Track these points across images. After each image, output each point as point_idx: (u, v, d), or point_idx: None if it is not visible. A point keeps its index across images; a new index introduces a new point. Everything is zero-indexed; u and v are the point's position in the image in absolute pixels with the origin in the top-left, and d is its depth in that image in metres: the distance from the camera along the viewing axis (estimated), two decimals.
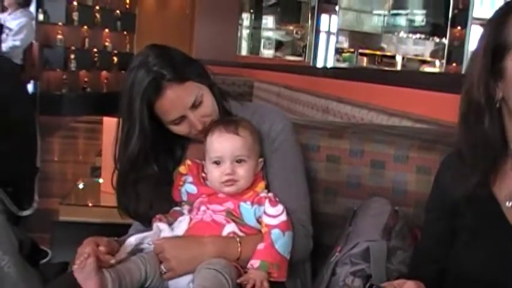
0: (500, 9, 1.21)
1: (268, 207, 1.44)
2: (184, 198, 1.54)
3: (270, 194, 1.48)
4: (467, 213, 1.28)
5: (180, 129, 1.52)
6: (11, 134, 2.03)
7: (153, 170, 1.54)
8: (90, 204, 2.66)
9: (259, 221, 1.45)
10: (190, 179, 1.53)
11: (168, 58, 1.48)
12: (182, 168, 1.55)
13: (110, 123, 2.71)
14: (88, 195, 2.84)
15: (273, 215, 1.44)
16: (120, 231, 1.61)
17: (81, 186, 2.99)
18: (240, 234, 1.43)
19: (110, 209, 2.51)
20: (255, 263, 1.39)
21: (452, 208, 1.31)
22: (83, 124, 9.06)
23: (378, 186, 1.72)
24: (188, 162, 1.55)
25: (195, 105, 1.49)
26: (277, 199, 1.47)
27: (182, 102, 1.47)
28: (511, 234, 1.21)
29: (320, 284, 1.48)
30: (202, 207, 1.48)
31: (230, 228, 1.44)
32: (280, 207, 1.45)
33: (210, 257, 1.37)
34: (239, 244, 1.41)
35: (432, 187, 1.41)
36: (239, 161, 1.46)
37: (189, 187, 1.53)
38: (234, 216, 1.45)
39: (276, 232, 1.42)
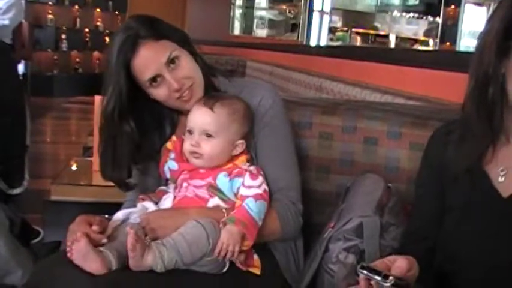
0: None
1: (247, 179, 1.44)
2: (168, 175, 1.54)
3: (252, 167, 1.47)
4: (458, 190, 1.27)
5: (159, 92, 1.50)
6: (0, 113, 2.01)
7: (129, 128, 1.50)
8: (81, 184, 2.64)
9: (234, 192, 1.45)
10: (173, 155, 1.53)
11: (148, 19, 1.50)
12: (169, 145, 1.55)
13: (101, 102, 2.69)
14: (80, 175, 2.82)
15: (250, 185, 1.43)
16: (112, 210, 1.59)
17: (72, 166, 2.97)
18: (225, 206, 1.43)
19: (102, 187, 2.51)
20: (222, 219, 1.38)
21: (442, 184, 1.30)
22: (75, 105, 9.02)
23: (371, 163, 1.71)
24: (174, 138, 1.55)
25: (171, 64, 1.48)
26: (261, 172, 1.47)
27: (156, 58, 1.46)
28: (503, 208, 1.21)
29: (313, 261, 1.47)
30: (184, 184, 1.48)
31: (214, 201, 1.44)
32: (259, 181, 1.45)
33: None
34: (225, 215, 1.40)
35: (421, 163, 1.40)
36: (208, 136, 1.46)
37: (171, 163, 1.53)
38: (215, 189, 1.45)
39: (248, 200, 1.41)
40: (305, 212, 1.60)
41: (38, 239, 2.80)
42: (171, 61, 1.48)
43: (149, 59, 1.46)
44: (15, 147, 2.17)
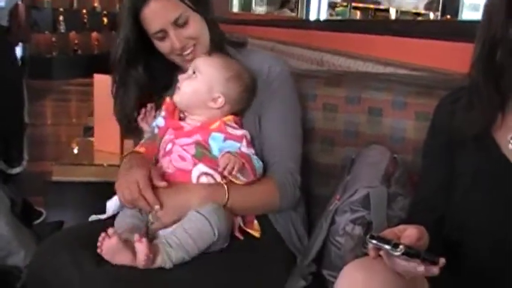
0: None
1: (244, 146, 1.44)
2: (156, 130, 1.53)
3: (247, 133, 1.46)
4: (466, 158, 1.25)
5: (163, 45, 1.52)
6: None
7: (139, 73, 1.56)
8: (83, 163, 2.62)
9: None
10: (163, 113, 1.52)
11: None
12: (164, 104, 1.54)
13: (101, 80, 2.66)
14: (81, 155, 2.80)
15: (249, 154, 1.44)
16: (114, 189, 1.58)
17: (74, 146, 2.95)
18: (210, 172, 1.41)
19: (104, 167, 2.50)
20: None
21: (450, 153, 1.28)
22: (75, 87, 8.97)
23: (376, 134, 1.69)
24: (168, 99, 1.53)
25: (178, 24, 1.49)
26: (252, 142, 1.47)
27: (164, 15, 1.47)
28: None
29: (319, 234, 1.46)
30: (169, 146, 1.46)
31: (197, 171, 1.41)
32: (253, 150, 1.46)
33: (196, 204, 1.35)
34: (226, 191, 1.39)
35: (428, 132, 1.38)
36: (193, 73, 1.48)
37: (159, 120, 1.52)
38: (203, 148, 1.42)
39: (254, 157, 1.43)
40: (310, 185, 1.58)
41: (41, 219, 2.79)
42: (179, 21, 1.48)
43: (157, 13, 1.47)
44: (14, 125, 2.16)
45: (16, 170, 2.17)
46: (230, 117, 1.48)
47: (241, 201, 1.42)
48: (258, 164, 1.44)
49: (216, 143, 1.42)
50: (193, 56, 1.52)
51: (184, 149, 1.43)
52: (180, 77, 1.50)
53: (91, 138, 2.80)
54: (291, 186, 1.51)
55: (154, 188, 1.37)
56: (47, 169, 2.55)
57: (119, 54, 1.53)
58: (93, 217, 1.51)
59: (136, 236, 1.24)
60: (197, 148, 1.42)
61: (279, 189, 1.48)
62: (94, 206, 1.59)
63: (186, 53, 1.52)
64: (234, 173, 1.34)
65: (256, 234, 1.44)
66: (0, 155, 2.01)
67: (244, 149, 1.43)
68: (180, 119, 1.51)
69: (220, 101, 1.47)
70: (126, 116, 1.61)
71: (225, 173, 1.35)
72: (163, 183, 1.37)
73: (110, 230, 1.26)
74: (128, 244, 1.25)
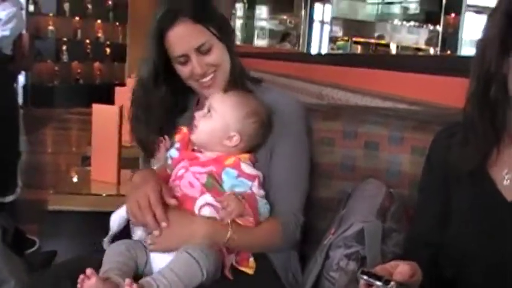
0: None
1: (255, 186, 1.43)
2: (169, 161, 1.53)
3: (260, 174, 1.46)
4: (462, 194, 1.24)
5: (183, 70, 1.53)
6: None
7: (163, 94, 1.58)
8: (79, 193, 2.61)
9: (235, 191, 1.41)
10: (177, 145, 1.52)
11: (198, 1, 1.55)
12: (177, 136, 1.54)
13: (99, 110, 2.66)
14: (78, 184, 2.79)
15: (258, 195, 1.43)
16: (109, 220, 1.57)
17: (71, 175, 2.94)
18: (215, 204, 1.40)
19: (100, 197, 2.49)
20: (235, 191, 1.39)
21: (446, 188, 1.27)
22: (76, 116, 9.01)
23: (373, 168, 1.68)
24: (184, 129, 1.53)
25: (201, 51, 1.51)
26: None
27: (189, 40, 1.50)
28: (508, 212, 1.18)
29: (313, 268, 1.45)
30: (180, 171, 1.46)
31: (203, 200, 1.40)
32: (263, 192, 1.45)
33: (199, 238, 1.35)
34: (229, 231, 1.37)
35: (423, 167, 1.37)
36: (208, 111, 1.48)
37: (173, 152, 1.52)
38: (215, 180, 1.41)
39: (261, 199, 1.43)
40: (306, 218, 1.57)
41: (34, 248, 2.78)
42: (202, 47, 1.50)
43: (182, 38, 1.50)
44: (8, 154, 2.16)
45: (9, 198, 2.16)
46: (246, 155, 1.47)
47: (243, 241, 1.40)
48: (265, 208, 1.43)
49: (229, 178, 1.42)
50: (211, 83, 1.54)
51: (196, 177, 1.42)
52: (197, 114, 1.50)
53: (88, 168, 2.79)
54: (293, 227, 1.50)
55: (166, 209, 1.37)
56: (44, 197, 2.54)
57: (145, 76, 1.56)
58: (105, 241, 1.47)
59: (127, 281, 1.22)
60: (209, 178, 1.41)
61: (283, 230, 1.47)
62: (89, 236, 1.57)
63: (205, 79, 1.53)
64: (232, 216, 1.34)
65: (250, 271, 1.41)
66: None
67: (255, 189, 1.43)
68: (194, 150, 1.51)
69: (236, 139, 1.46)
70: (149, 138, 1.60)
71: (222, 214, 1.35)
72: (174, 201, 1.37)
73: (88, 271, 1.23)
74: (109, 283, 1.23)
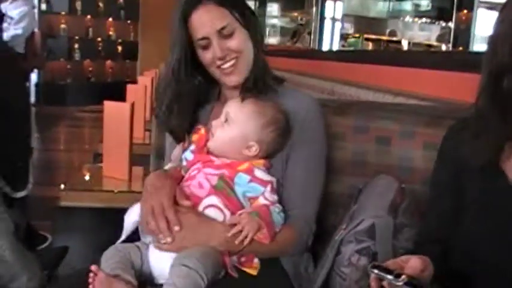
0: None
1: (267, 192, 1.41)
2: (184, 163, 1.52)
3: (273, 180, 1.44)
4: (474, 188, 1.24)
5: (205, 55, 1.52)
6: (6, 117, 2.02)
7: (194, 84, 1.57)
8: (91, 189, 2.62)
9: (248, 197, 1.41)
10: (193, 147, 1.51)
11: None
12: (194, 136, 1.53)
13: (111, 107, 2.68)
14: (90, 181, 2.81)
15: (271, 201, 1.42)
16: (122, 216, 1.58)
17: (83, 172, 2.96)
18: (221, 207, 1.39)
19: (111, 193, 2.50)
20: (247, 209, 1.38)
21: (458, 183, 1.27)
22: (88, 114, 9.03)
23: (384, 164, 1.68)
24: (202, 131, 1.52)
25: (223, 34, 1.50)
26: (276, 190, 1.45)
27: (211, 22, 1.49)
28: None
29: (324, 264, 1.44)
30: (193, 172, 1.45)
31: (208, 201, 1.40)
32: (276, 197, 1.44)
33: (215, 244, 1.35)
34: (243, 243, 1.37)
35: (436, 162, 1.36)
36: (225, 121, 1.46)
37: (188, 154, 1.51)
38: (226, 183, 1.40)
39: (272, 207, 1.41)
40: (318, 214, 1.56)
41: (46, 244, 2.79)
42: (224, 30, 1.50)
43: (204, 20, 1.49)
44: (20, 150, 2.18)
45: (21, 194, 2.17)
46: (261, 161, 1.46)
47: (257, 249, 1.39)
48: (279, 217, 1.42)
49: (241, 183, 1.41)
50: (232, 69, 1.52)
51: (207, 178, 1.42)
52: (214, 123, 1.49)
53: (100, 165, 2.81)
54: (306, 237, 1.50)
55: (180, 213, 1.37)
56: (57, 194, 2.56)
57: (176, 66, 1.54)
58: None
59: None
60: (219, 181, 1.41)
61: (296, 239, 1.47)
62: (100, 232, 1.58)
63: (226, 65, 1.51)
64: (249, 240, 1.34)
65: (254, 272, 1.40)
66: (5, 179, 2.02)
67: (268, 194, 1.41)
68: (209, 152, 1.49)
69: (255, 149, 1.45)
70: (182, 126, 1.59)
71: (240, 237, 1.34)
72: (187, 202, 1.37)
73: (93, 267, 1.26)
74: (119, 280, 1.25)
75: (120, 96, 3.93)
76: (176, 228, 1.34)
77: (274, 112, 1.48)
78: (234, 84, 1.55)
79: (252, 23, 1.56)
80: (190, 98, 1.57)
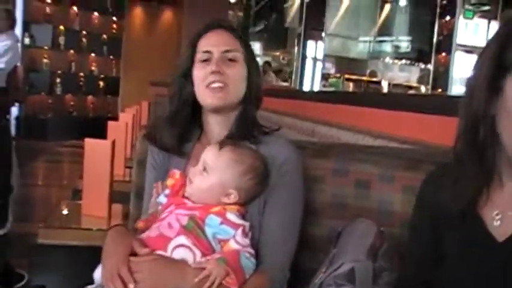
0: (505, 26, 1.19)
1: (239, 235, 1.41)
2: (159, 207, 1.52)
3: (246, 224, 1.44)
4: (452, 235, 1.25)
5: (200, 69, 1.56)
6: None
7: (189, 89, 1.60)
8: (69, 227, 2.60)
9: (218, 240, 1.40)
10: (167, 191, 1.51)
11: (236, 28, 1.66)
12: (169, 181, 1.52)
13: (91, 145, 2.67)
14: (68, 218, 2.78)
15: (243, 245, 1.41)
16: (100, 254, 1.56)
17: (61, 209, 2.93)
18: (191, 246, 1.38)
19: (90, 231, 2.48)
20: (216, 255, 1.37)
21: (436, 229, 1.28)
22: (69, 148, 8.99)
23: (363, 207, 1.68)
24: (177, 174, 1.52)
25: (226, 57, 1.55)
26: (249, 234, 1.44)
27: (219, 42, 1.56)
28: (499, 253, 1.18)
29: None
30: (165, 214, 1.45)
31: (177, 241, 1.38)
32: (248, 241, 1.42)
33: (187, 286, 1.33)
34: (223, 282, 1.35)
35: (414, 206, 1.37)
36: (204, 169, 1.46)
37: (162, 198, 1.51)
38: (196, 223, 1.40)
39: (242, 253, 1.39)
40: (296, 257, 1.56)
41: (22, 283, 2.75)
42: (228, 54, 1.55)
43: (213, 39, 1.57)
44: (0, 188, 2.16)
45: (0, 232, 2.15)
46: (234, 207, 1.46)
47: None
48: (249, 263, 1.40)
49: (212, 224, 1.41)
50: (220, 90, 1.53)
51: (177, 219, 1.41)
52: (192, 170, 1.49)
53: (79, 202, 2.79)
54: (280, 284, 1.49)
55: (150, 260, 1.35)
56: (35, 231, 2.53)
57: (177, 72, 1.61)
58: None
59: None
60: (190, 221, 1.40)
61: (268, 286, 1.45)
62: (78, 270, 1.56)
63: (215, 85, 1.53)
64: (216, 285, 1.33)
65: None
66: None
67: (239, 237, 1.40)
68: (184, 196, 1.49)
69: (233, 196, 1.46)
70: (175, 134, 1.61)
71: (207, 283, 1.33)
72: (145, 250, 1.36)
73: None
74: None
75: (101, 132, 3.92)
76: (131, 286, 1.30)
77: (252, 160, 1.48)
78: (216, 104, 1.55)
79: (254, 63, 1.62)
80: (186, 105, 1.61)
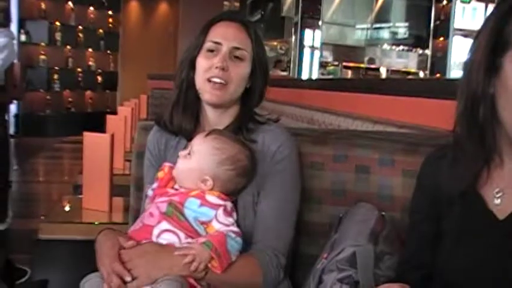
0: (504, 2, 1.18)
1: (220, 215, 1.41)
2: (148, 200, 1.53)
3: (228, 203, 1.45)
4: (453, 214, 1.25)
5: (206, 59, 1.55)
6: None
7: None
8: (71, 222, 2.60)
9: (200, 222, 1.41)
10: (155, 185, 1.52)
11: (254, 25, 1.64)
12: (160, 173, 1.53)
13: (90, 138, 2.67)
14: (69, 213, 2.78)
15: (226, 223, 1.41)
16: None
17: (62, 204, 2.93)
18: (174, 230, 1.39)
19: (92, 225, 2.48)
20: (201, 239, 1.37)
21: (437, 209, 1.28)
22: (68, 144, 8.98)
23: (364, 192, 1.68)
24: (166, 168, 1.52)
25: (234, 54, 1.54)
26: (233, 213, 1.45)
27: (233, 37, 1.54)
28: (500, 231, 1.18)
29: None
30: (148, 205, 1.48)
31: (160, 227, 1.40)
32: (232, 219, 1.43)
33: (177, 269, 1.34)
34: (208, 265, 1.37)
35: (415, 189, 1.37)
36: (189, 154, 1.48)
37: (149, 192, 1.52)
38: (176, 208, 1.41)
39: (230, 234, 1.40)
40: (298, 244, 1.56)
41: (25, 278, 2.76)
42: (237, 51, 1.54)
43: (228, 31, 1.55)
44: None
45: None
46: (215, 192, 1.46)
47: (222, 277, 1.38)
48: (235, 244, 1.40)
49: (191, 207, 1.41)
50: (219, 88, 1.53)
51: (157, 206, 1.43)
52: (180, 153, 1.50)
53: (80, 196, 2.79)
54: (274, 268, 1.47)
55: (136, 248, 1.37)
56: (36, 227, 2.53)
57: (183, 58, 1.60)
58: None
59: None
60: (169, 207, 1.42)
61: (261, 269, 1.45)
62: (80, 264, 1.56)
63: (217, 80, 1.52)
64: (202, 268, 1.34)
65: None
66: None
67: (221, 217, 1.41)
68: (173, 187, 1.50)
69: (209, 183, 1.46)
70: (185, 119, 1.61)
71: (192, 268, 1.34)
72: (130, 243, 1.37)
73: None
74: None
75: (101, 127, 3.92)
76: (128, 278, 1.32)
77: (235, 152, 1.48)
78: (213, 101, 1.55)
79: (260, 68, 1.60)
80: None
